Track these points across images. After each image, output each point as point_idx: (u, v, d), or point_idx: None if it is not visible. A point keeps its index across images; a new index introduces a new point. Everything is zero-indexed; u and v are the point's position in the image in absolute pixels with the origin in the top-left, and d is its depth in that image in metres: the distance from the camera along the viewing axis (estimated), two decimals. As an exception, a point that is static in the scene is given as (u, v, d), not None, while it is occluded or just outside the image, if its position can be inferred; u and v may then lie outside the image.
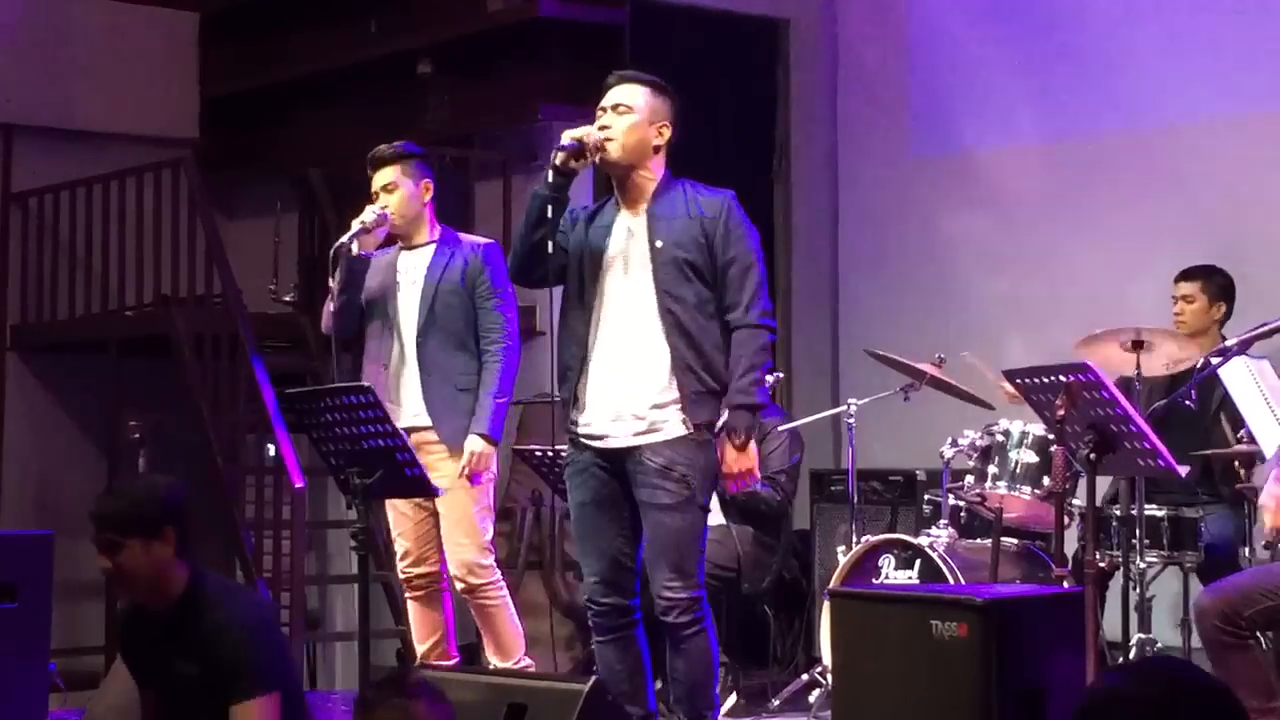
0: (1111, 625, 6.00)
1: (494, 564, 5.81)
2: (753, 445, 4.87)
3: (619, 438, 4.89)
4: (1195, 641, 5.72)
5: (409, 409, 5.73)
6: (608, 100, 4.98)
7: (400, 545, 5.87)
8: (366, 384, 5.08)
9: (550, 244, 4.91)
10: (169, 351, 8.93)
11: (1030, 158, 8.50)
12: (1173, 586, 6.56)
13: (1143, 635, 6.03)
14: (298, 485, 8.03)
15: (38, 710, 5.55)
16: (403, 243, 5.92)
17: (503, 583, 5.83)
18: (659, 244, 4.87)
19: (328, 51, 9.87)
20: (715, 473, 4.89)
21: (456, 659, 5.97)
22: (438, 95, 9.23)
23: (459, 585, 5.75)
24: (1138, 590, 6.10)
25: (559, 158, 4.91)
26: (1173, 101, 7.87)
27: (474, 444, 5.69)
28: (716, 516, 6.42)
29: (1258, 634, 4.86)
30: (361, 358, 5.96)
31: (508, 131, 9.14)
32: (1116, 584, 6.08)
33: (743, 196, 5.13)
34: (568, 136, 4.94)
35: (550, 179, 4.92)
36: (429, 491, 5.26)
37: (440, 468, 5.64)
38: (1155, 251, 7.63)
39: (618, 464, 4.90)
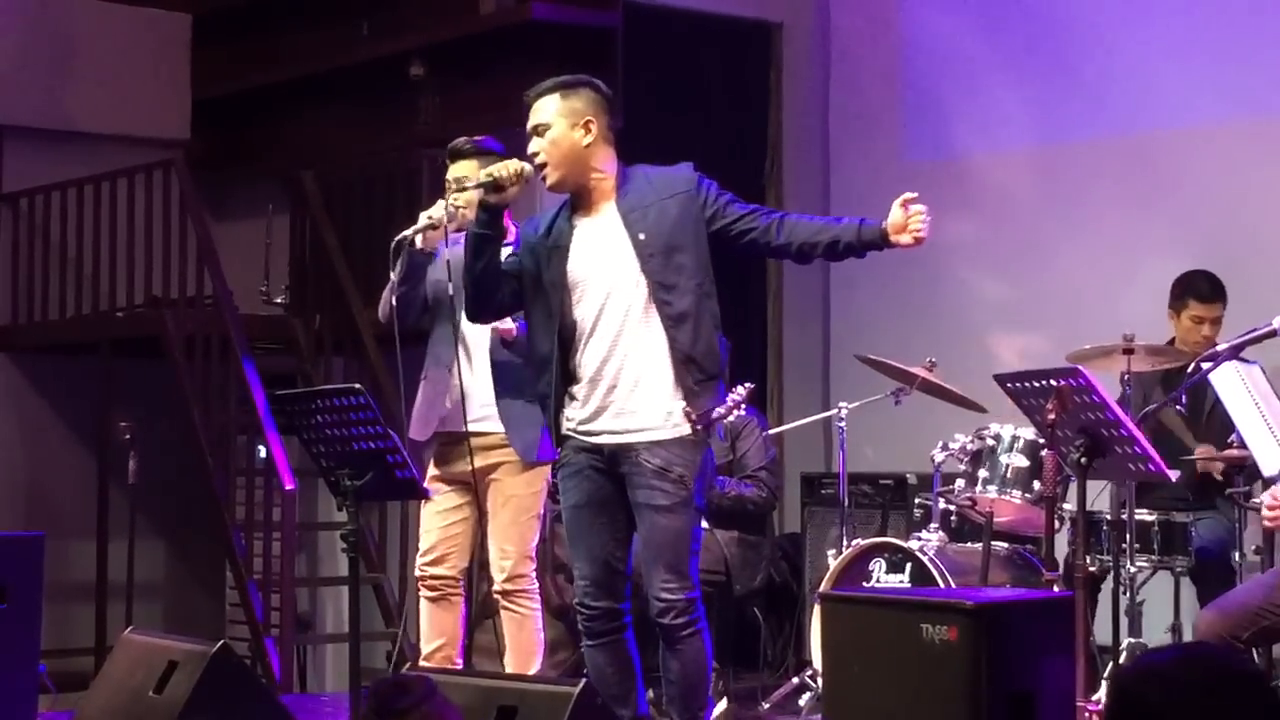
0: (1102, 630, 6.01)
1: (533, 574, 5.73)
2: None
3: (616, 437, 4.85)
4: (1185, 646, 5.73)
5: (478, 411, 5.57)
6: (529, 124, 4.93)
7: (426, 540, 5.75)
8: (357, 385, 5.05)
9: (496, 276, 4.92)
10: (159, 353, 8.93)
11: (1022, 162, 8.51)
12: (1164, 591, 6.57)
13: (1133, 640, 6.03)
14: (288, 487, 8.03)
15: (27, 711, 5.54)
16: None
17: (537, 594, 5.74)
18: (642, 236, 4.81)
19: (319, 53, 9.86)
20: (711, 474, 4.86)
21: (459, 667, 5.91)
22: (429, 97, 9.23)
23: (497, 590, 5.70)
24: (1128, 595, 6.10)
25: (478, 196, 4.92)
26: (1164, 106, 7.88)
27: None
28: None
29: (1255, 651, 4.87)
30: (424, 355, 5.81)
31: (500, 134, 9.12)
32: (1107, 588, 6.08)
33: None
34: (483, 174, 4.93)
35: (477, 216, 4.93)
36: (420, 494, 5.24)
37: (506, 477, 5.61)
38: (1147, 256, 7.64)
39: (613, 465, 4.87)
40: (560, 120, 4.87)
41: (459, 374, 5.58)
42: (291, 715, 5.20)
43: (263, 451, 8.41)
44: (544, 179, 4.90)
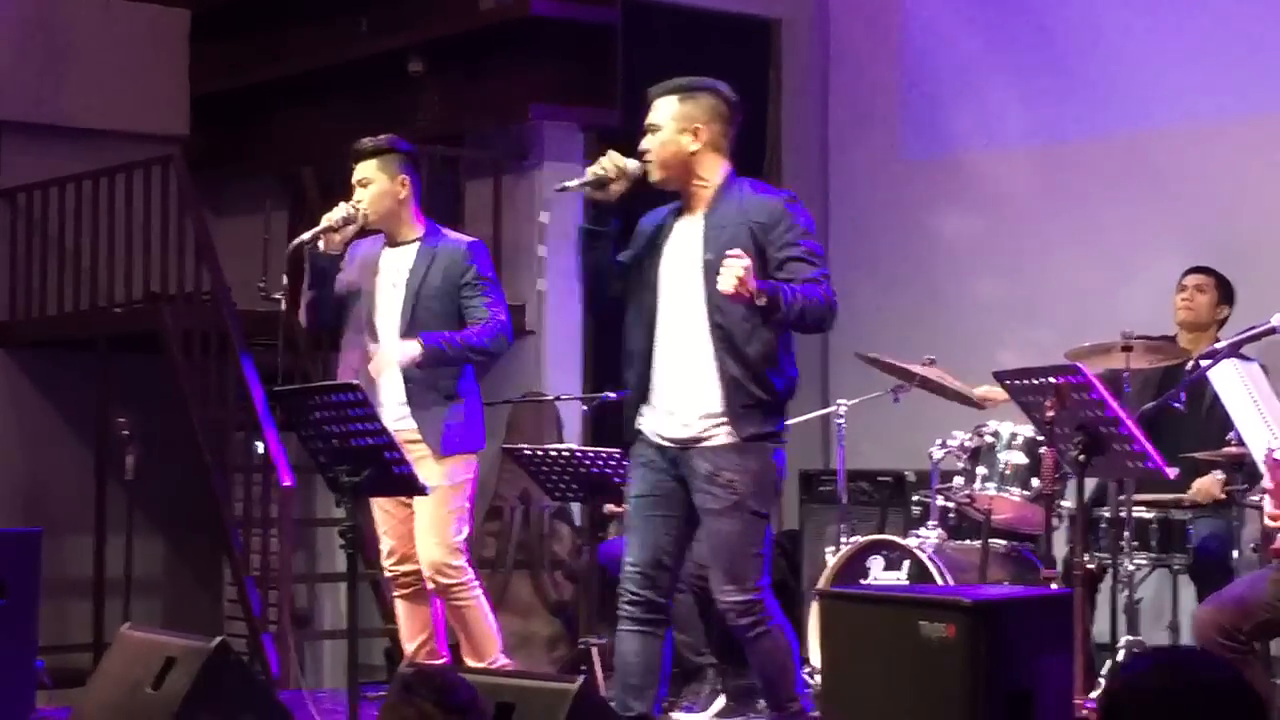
0: (1100, 627, 6.01)
1: (465, 565, 5.74)
2: (751, 281, 4.68)
3: (675, 441, 4.94)
4: (1185, 643, 5.74)
5: (391, 411, 5.64)
6: (646, 119, 5.00)
7: (385, 543, 5.85)
8: (355, 382, 5.06)
9: (607, 269, 4.99)
10: (157, 348, 8.92)
11: (1020, 160, 8.51)
12: (1162, 588, 6.57)
13: (1131, 637, 6.03)
14: (286, 483, 8.02)
15: (25, 707, 5.55)
16: (386, 239, 5.83)
17: (475, 583, 5.77)
18: (710, 257, 4.86)
19: (318, 49, 9.86)
20: (772, 479, 4.92)
21: (445, 658, 5.95)
22: (428, 94, 9.23)
23: (430, 585, 5.72)
24: (1126, 592, 6.10)
25: (585, 192, 4.98)
26: (1163, 104, 7.89)
27: (410, 346, 5.57)
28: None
29: (1255, 645, 4.87)
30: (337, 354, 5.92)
31: (498, 130, 9.13)
32: (1106, 586, 6.08)
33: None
34: (589, 172, 4.98)
35: (585, 212, 5.03)
36: (417, 490, 5.25)
37: (421, 468, 5.62)
38: (1146, 254, 7.64)
39: (674, 467, 4.95)
40: (670, 123, 4.96)
41: (374, 374, 5.65)
42: (289, 712, 5.20)
43: (261, 447, 8.38)
44: (649, 175, 4.97)
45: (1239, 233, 7.49)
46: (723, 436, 4.86)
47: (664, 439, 4.95)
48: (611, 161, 4.94)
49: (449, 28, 9.09)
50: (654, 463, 4.97)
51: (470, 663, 5.78)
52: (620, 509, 6.89)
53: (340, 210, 5.67)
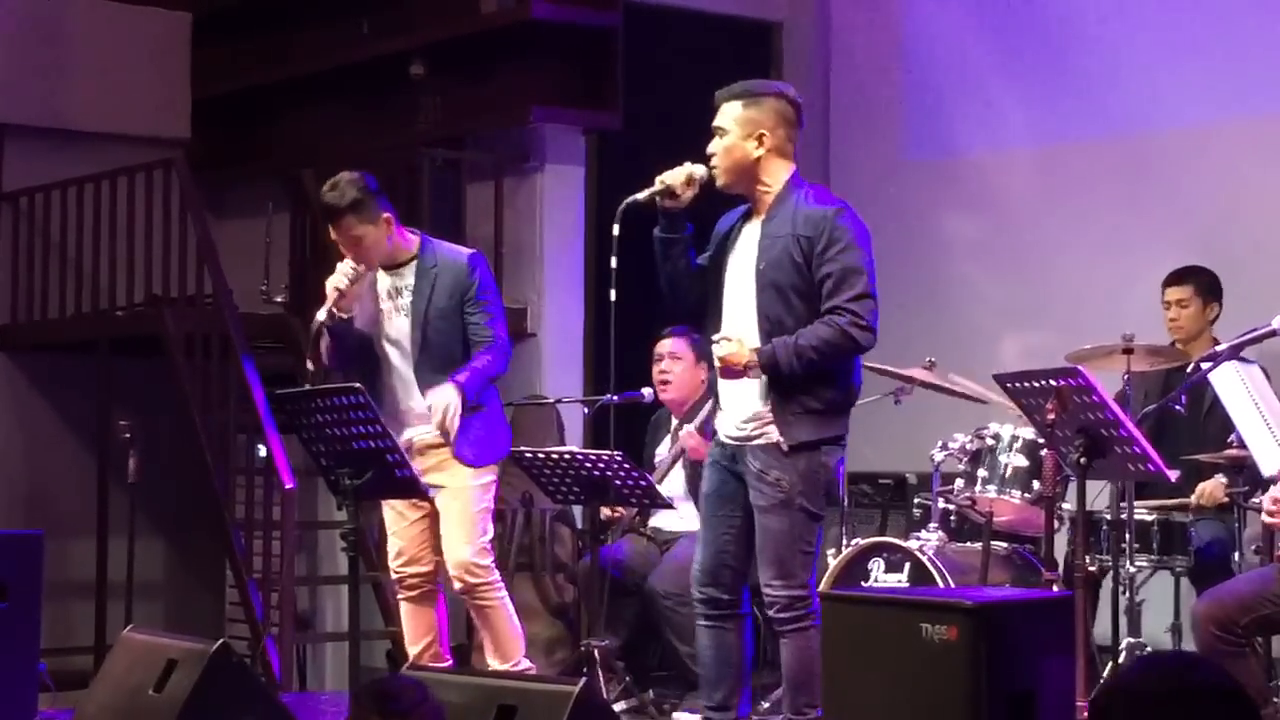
0: (1102, 629, 6.01)
1: (492, 565, 5.79)
2: (741, 358, 4.87)
3: (732, 440, 5.08)
4: (1187, 645, 5.74)
5: (416, 425, 5.69)
6: (713, 123, 5.07)
7: (394, 544, 5.86)
8: (357, 385, 5.06)
9: (685, 276, 5.09)
10: (159, 351, 8.92)
11: (1022, 161, 8.51)
12: (1163, 590, 6.57)
13: (1132, 639, 6.03)
14: (288, 486, 8.03)
15: (27, 709, 5.55)
16: (381, 264, 5.79)
17: (501, 584, 5.81)
18: (762, 266, 4.96)
19: (320, 52, 9.87)
20: (824, 480, 5.01)
21: (449, 660, 5.96)
22: (430, 96, 9.23)
23: (456, 585, 5.74)
24: (1127, 594, 6.10)
25: (656, 201, 5.04)
26: (1165, 105, 7.89)
27: (446, 393, 5.54)
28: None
29: (1253, 640, 4.87)
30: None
31: (500, 133, 9.13)
32: (1107, 588, 6.08)
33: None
34: (657, 181, 5.03)
35: (659, 221, 5.09)
36: (420, 493, 5.26)
37: (446, 467, 5.67)
38: (1147, 255, 7.64)
39: (734, 463, 5.08)
40: (735, 128, 5.03)
41: (395, 389, 5.71)
42: (291, 714, 5.20)
43: (263, 450, 8.40)
44: (715, 181, 5.06)
45: (1240, 234, 7.49)
46: (773, 435, 4.96)
47: (727, 437, 5.11)
48: (682, 171, 5.00)
49: (450, 30, 9.09)
50: (719, 461, 5.13)
51: (494, 664, 5.79)
52: (617, 515, 6.91)
53: (345, 274, 5.62)
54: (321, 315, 5.60)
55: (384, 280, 5.79)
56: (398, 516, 5.82)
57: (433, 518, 5.78)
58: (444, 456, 5.68)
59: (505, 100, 8.90)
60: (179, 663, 4.87)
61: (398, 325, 5.74)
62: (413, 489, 5.15)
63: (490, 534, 5.81)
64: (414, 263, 5.77)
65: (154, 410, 8.87)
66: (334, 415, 4.92)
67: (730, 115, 5.02)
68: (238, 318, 8.70)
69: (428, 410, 5.61)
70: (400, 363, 5.74)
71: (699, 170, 5.01)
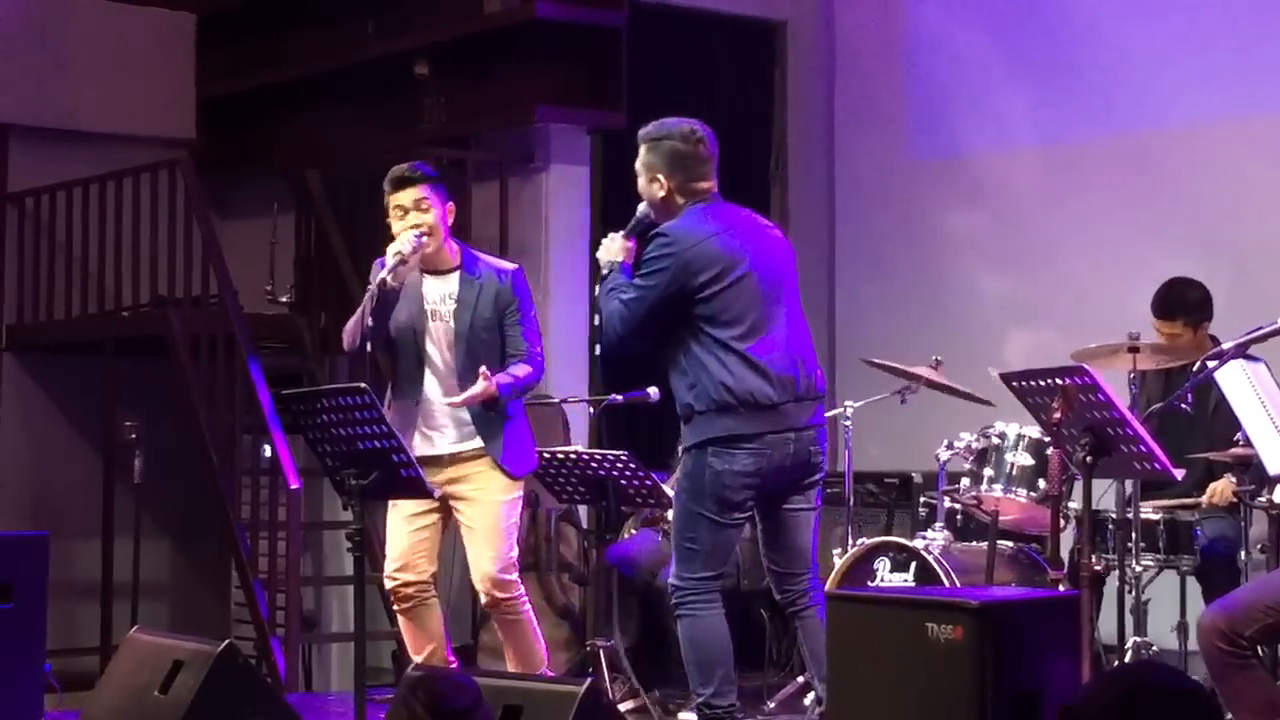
0: (1108, 628, 6.01)
1: (517, 579, 5.75)
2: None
3: None
4: (1192, 644, 5.73)
5: (451, 434, 5.67)
6: None
7: (393, 548, 5.78)
8: (362, 385, 5.05)
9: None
10: (165, 352, 8.93)
11: (1026, 160, 8.51)
12: (1169, 590, 6.56)
13: (1138, 639, 6.03)
14: (293, 486, 8.03)
15: (33, 711, 5.55)
16: (424, 268, 5.73)
17: (526, 598, 5.77)
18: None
19: (324, 52, 9.86)
20: (704, 480, 5.22)
21: (454, 663, 5.93)
22: (434, 97, 9.23)
23: (483, 599, 5.71)
24: (1133, 594, 6.10)
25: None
26: (1168, 104, 7.88)
27: (482, 385, 5.55)
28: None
29: (1259, 650, 4.85)
30: (387, 387, 5.83)
31: (504, 133, 9.13)
32: (1113, 587, 6.08)
33: (740, 198, 5.13)
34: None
35: None
36: (425, 493, 5.24)
37: (476, 480, 5.65)
38: (1151, 254, 7.64)
39: None
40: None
41: (433, 400, 5.68)
42: (297, 714, 5.20)
43: (268, 451, 8.40)
44: None
45: (1245, 231, 7.49)
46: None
47: None
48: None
49: (455, 31, 9.09)
50: None
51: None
52: (632, 511, 6.92)
53: (406, 241, 5.58)
54: (384, 273, 5.50)
55: (428, 287, 5.73)
56: (402, 520, 5.75)
57: (437, 528, 5.74)
58: (476, 469, 5.65)
59: (510, 100, 8.90)
60: (185, 663, 4.88)
61: (441, 337, 5.71)
62: (418, 489, 5.14)
63: (516, 549, 5.76)
64: (457, 272, 5.74)
65: (159, 411, 8.87)
66: (340, 415, 4.92)
67: None
68: (243, 318, 8.70)
69: (471, 422, 5.63)
70: (441, 369, 5.70)
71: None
